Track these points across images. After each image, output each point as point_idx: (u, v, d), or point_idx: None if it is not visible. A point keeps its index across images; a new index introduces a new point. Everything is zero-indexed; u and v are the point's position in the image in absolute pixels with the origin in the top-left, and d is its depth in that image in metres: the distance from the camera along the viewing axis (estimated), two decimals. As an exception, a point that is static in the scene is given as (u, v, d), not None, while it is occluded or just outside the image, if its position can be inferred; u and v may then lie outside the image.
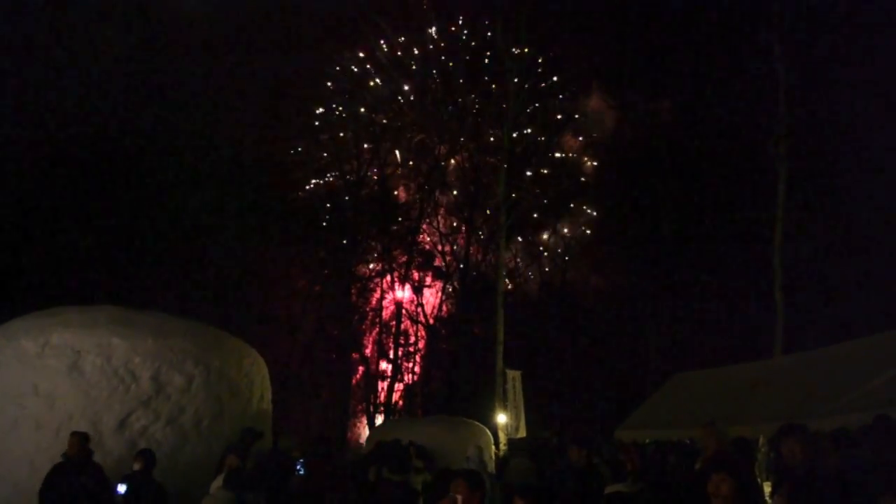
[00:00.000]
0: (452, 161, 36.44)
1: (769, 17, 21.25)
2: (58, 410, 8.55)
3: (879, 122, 23.58)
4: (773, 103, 21.38)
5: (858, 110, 24.67)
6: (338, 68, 36.41)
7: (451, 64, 36.23)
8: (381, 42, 36.91)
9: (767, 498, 7.15)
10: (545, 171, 36.02)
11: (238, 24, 30.14)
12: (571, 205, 36.62)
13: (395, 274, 34.11)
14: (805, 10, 22.17)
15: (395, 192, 36.44)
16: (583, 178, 36.90)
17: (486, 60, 35.27)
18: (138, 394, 8.88)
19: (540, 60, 32.18)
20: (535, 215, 36.02)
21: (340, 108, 36.54)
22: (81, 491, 7.45)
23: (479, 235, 35.32)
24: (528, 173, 33.95)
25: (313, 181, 36.05)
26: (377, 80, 37.00)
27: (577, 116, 36.66)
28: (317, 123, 36.23)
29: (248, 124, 31.27)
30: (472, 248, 35.33)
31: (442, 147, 35.84)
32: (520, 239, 36.49)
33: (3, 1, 23.37)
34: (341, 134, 35.94)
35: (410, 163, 36.92)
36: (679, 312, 30.01)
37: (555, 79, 35.46)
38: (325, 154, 35.59)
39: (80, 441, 7.76)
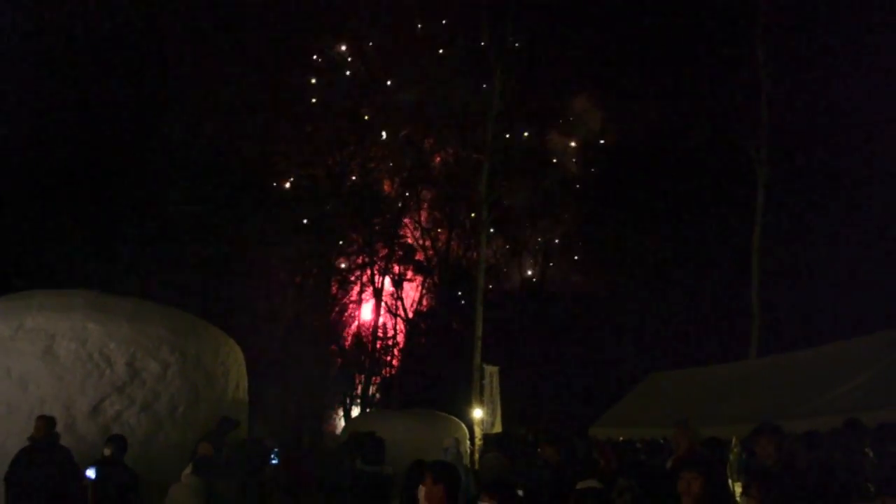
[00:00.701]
0: (437, 157, 36.38)
1: (754, 23, 21.41)
2: (30, 394, 8.47)
3: (861, 127, 23.88)
4: (756, 108, 21.55)
5: (841, 116, 24.98)
6: (316, 57, 36.14)
7: (439, 53, 36.05)
8: (367, 37, 36.77)
9: (738, 498, 7.23)
10: (529, 169, 36.05)
11: (220, 10, 29.93)
12: (562, 210, 36.74)
13: (376, 267, 34.05)
14: (790, 16, 22.39)
15: (378, 187, 36.30)
16: (567, 178, 36.99)
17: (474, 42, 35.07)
18: (113, 379, 8.82)
19: (528, 56, 32.19)
20: (523, 214, 36.09)
21: (323, 99, 36.31)
22: (48, 474, 7.40)
23: (461, 231, 35.35)
24: (510, 170, 33.93)
25: (293, 173, 35.87)
26: (363, 71, 36.79)
27: (558, 118, 36.73)
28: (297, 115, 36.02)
29: (230, 113, 31.11)
30: (453, 243, 35.33)
31: (428, 140, 35.74)
32: (503, 238, 36.52)
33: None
34: (316, 126, 35.70)
35: (391, 163, 36.82)
36: (657, 312, 30.28)
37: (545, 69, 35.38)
38: (308, 145, 35.38)
39: (47, 425, 7.71)
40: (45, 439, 7.64)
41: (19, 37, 23.33)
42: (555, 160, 37.02)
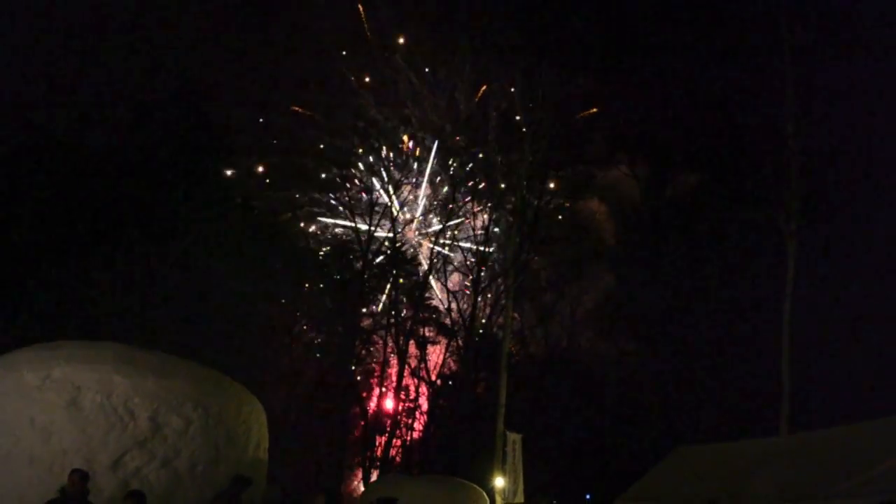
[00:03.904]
0: (465, 220, 36.63)
1: (784, 96, 21.61)
2: (53, 445, 8.46)
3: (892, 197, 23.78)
4: (787, 179, 21.53)
5: (870, 187, 24.93)
6: (361, 124, 36.99)
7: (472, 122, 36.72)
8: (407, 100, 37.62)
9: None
10: (560, 235, 36.11)
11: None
12: (592, 278, 36.61)
13: (400, 328, 33.96)
14: (820, 89, 22.59)
15: (406, 246, 36.51)
16: (599, 244, 36.88)
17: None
18: (135, 434, 8.80)
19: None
20: (546, 280, 36.00)
21: (358, 160, 37.02)
22: None
23: (488, 295, 35.24)
24: (538, 237, 34.02)
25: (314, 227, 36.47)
26: (404, 135, 37.60)
27: (592, 186, 36.86)
28: (332, 174, 36.66)
29: (262, 173, 31.87)
30: (479, 308, 35.23)
31: (472, 204, 35.90)
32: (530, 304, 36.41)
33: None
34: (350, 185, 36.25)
35: (423, 217, 37.23)
36: (685, 383, 29.82)
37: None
38: (339, 206, 35.93)
39: (81, 479, 7.72)
40: (77, 494, 7.65)
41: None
42: (587, 227, 37.03)
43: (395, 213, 34.87)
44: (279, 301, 30.74)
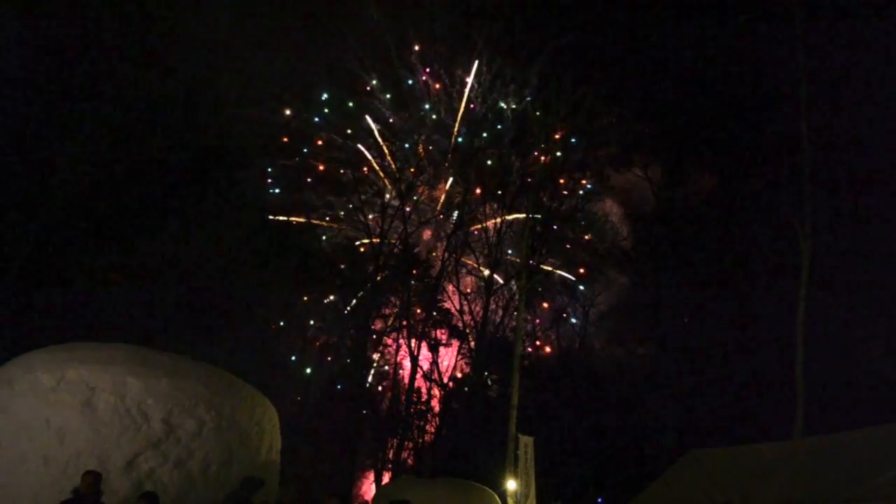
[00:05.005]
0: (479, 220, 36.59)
1: (798, 100, 21.51)
2: (67, 446, 8.51)
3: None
4: (801, 180, 21.40)
5: (883, 193, 24.76)
6: (372, 122, 37.06)
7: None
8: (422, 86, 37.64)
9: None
10: (573, 237, 36.03)
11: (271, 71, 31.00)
12: (606, 278, 36.48)
13: (413, 330, 33.93)
14: (832, 93, 22.50)
15: (418, 249, 36.50)
16: (614, 247, 36.75)
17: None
18: (149, 435, 8.84)
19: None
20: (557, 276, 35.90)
21: (369, 161, 37.06)
22: None
23: (500, 297, 35.18)
24: (551, 239, 33.89)
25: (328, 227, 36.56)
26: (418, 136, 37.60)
27: (611, 186, 36.67)
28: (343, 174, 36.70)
29: (272, 174, 31.94)
30: (491, 310, 35.14)
31: (487, 207, 35.82)
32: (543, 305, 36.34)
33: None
34: (367, 189, 36.24)
35: (440, 216, 37.25)
36: (698, 386, 29.67)
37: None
38: (351, 206, 35.95)
39: (94, 480, 7.77)
40: (90, 495, 7.71)
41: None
42: (601, 229, 36.89)
43: (408, 216, 34.86)
44: (292, 303, 30.83)
